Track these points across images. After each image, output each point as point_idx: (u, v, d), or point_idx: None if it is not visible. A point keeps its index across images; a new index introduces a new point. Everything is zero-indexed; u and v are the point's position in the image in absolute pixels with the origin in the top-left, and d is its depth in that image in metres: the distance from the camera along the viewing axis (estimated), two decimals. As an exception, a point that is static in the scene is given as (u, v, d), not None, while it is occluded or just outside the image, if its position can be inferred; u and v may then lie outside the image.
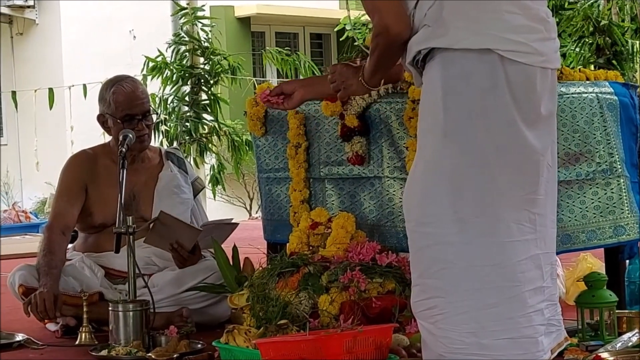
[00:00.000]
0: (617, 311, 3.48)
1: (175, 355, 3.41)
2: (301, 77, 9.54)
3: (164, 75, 9.04)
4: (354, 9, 11.90)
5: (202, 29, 9.20)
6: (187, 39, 9.13)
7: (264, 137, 4.20)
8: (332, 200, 4.00)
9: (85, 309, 3.79)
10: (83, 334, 3.80)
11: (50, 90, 9.68)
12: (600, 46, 9.91)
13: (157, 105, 8.81)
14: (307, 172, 4.07)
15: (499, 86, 2.49)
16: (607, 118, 3.70)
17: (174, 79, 9.08)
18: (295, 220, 4.02)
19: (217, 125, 9.17)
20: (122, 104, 4.18)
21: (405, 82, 3.64)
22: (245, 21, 14.60)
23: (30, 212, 10.59)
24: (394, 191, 3.78)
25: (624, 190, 3.70)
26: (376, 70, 2.79)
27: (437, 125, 2.52)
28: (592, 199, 3.66)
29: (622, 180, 3.70)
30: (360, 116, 3.80)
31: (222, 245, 3.94)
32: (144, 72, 8.93)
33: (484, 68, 2.49)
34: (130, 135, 4.01)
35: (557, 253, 2.88)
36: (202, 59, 9.19)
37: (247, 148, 9.09)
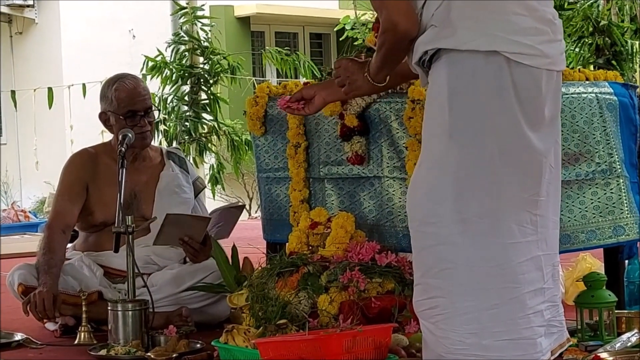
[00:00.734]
0: (616, 311, 3.48)
1: (174, 355, 3.41)
2: (302, 78, 9.54)
3: (164, 75, 9.04)
4: (354, 9, 11.90)
5: (201, 29, 9.20)
6: (186, 38, 9.13)
7: (264, 137, 4.19)
8: (332, 200, 4.00)
9: (84, 309, 3.79)
10: (82, 334, 3.80)
11: (50, 89, 9.67)
12: (600, 46, 9.91)
13: (156, 105, 8.81)
14: (307, 172, 4.07)
15: (505, 88, 2.50)
16: (606, 118, 3.70)
17: (174, 78, 9.08)
18: (295, 220, 4.02)
19: (216, 125, 9.17)
20: (124, 100, 4.19)
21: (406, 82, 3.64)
22: (244, 21, 14.60)
23: (30, 212, 10.59)
24: (394, 191, 3.78)
25: (623, 191, 3.70)
26: (382, 66, 2.79)
27: (443, 126, 2.53)
28: (591, 199, 3.66)
29: (621, 181, 3.70)
30: (359, 116, 3.80)
31: (222, 245, 3.94)
32: (144, 71, 8.93)
33: (491, 70, 2.49)
34: (130, 135, 4.01)
35: (557, 253, 2.88)
36: (201, 59, 9.18)
37: (247, 148, 9.09)
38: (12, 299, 4.17)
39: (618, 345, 3.20)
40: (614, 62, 9.82)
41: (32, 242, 6.73)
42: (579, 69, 3.91)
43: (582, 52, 9.88)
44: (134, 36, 13.41)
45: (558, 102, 2.66)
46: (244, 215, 13.27)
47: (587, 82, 3.78)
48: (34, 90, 10.56)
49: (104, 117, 4.29)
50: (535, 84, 2.54)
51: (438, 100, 2.55)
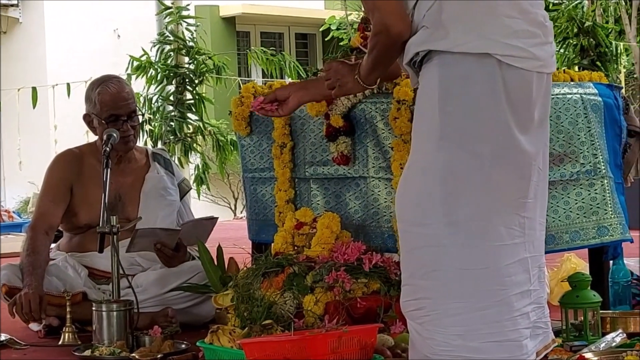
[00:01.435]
0: (601, 311, 3.49)
1: (159, 356, 3.40)
2: (288, 78, 9.54)
3: (149, 75, 9.03)
4: (340, 9, 11.91)
5: (187, 29, 9.19)
6: (171, 38, 9.12)
7: (249, 137, 4.19)
8: (317, 200, 4.00)
9: (68, 309, 3.78)
10: (66, 334, 3.78)
11: (34, 89, 9.64)
12: (585, 47, 9.95)
13: (141, 105, 8.80)
14: (292, 172, 4.06)
15: (496, 90, 2.50)
16: (591, 119, 3.71)
17: (159, 78, 9.07)
18: (280, 220, 4.01)
19: (201, 125, 9.16)
20: (107, 104, 4.17)
21: (390, 82, 3.64)
22: (230, 21, 14.58)
23: (13, 212, 10.55)
24: (379, 191, 3.78)
25: (607, 191, 3.71)
26: (374, 68, 2.78)
27: (433, 127, 2.53)
28: (576, 200, 3.67)
29: (606, 181, 3.71)
30: (345, 116, 3.79)
31: (207, 245, 3.93)
32: (129, 71, 8.92)
33: (482, 72, 2.50)
34: (114, 135, 4.00)
35: (542, 254, 2.89)
36: (186, 59, 9.18)
37: (232, 148, 9.09)
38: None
39: (603, 345, 3.21)
40: (598, 63, 9.86)
41: (16, 243, 6.71)
42: (564, 70, 3.92)
43: (567, 53, 9.92)
44: (118, 36, 13.38)
45: (548, 105, 2.67)
46: (229, 215, 13.27)
47: (572, 83, 3.79)
48: (18, 90, 10.52)
49: (87, 119, 4.28)
50: (526, 87, 2.54)
51: (429, 101, 2.55)
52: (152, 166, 4.38)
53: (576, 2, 10.78)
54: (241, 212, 12.92)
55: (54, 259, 4.14)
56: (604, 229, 3.71)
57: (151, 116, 8.98)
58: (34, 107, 9.71)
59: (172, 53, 9.13)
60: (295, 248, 3.79)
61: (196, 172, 9.19)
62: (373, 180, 3.79)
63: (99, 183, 3.89)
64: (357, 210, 3.87)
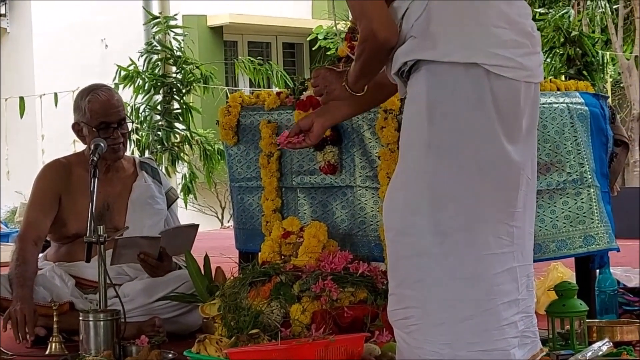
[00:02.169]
0: (587, 320, 3.49)
1: (146, 365, 3.40)
2: (275, 88, 9.54)
3: (136, 84, 9.03)
4: (327, 19, 11.91)
5: (174, 38, 9.19)
6: (159, 48, 9.12)
7: (236, 146, 4.19)
8: (304, 210, 4.00)
9: (55, 319, 3.76)
10: (53, 344, 3.77)
11: (21, 98, 9.63)
12: (571, 57, 9.99)
13: (129, 114, 8.79)
14: (279, 181, 4.06)
15: (484, 100, 2.51)
16: (577, 128, 3.72)
17: (146, 87, 9.06)
18: (267, 229, 4.01)
19: (189, 134, 9.16)
20: (98, 112, 4.17)
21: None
22: (217, 30, 14.59)
23: (0, 222, 10.52)
24: (366, 200, 3.78)
25: (594, 200, 3.72)
26: (361, 76, 2.78)
27: (421, 137, 2.53)
28: (562, 209, 3.68)
29: (592, 190, 3.72)
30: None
31: (194, 255, 3.93)
32: (116, 80, 8.91)
33: (470, 82, 2.50)
34: (102, 144, 4.00)
35: (528, 263, 2.89)
36: (174, 68, 9.18)
37: (219, 157, 9.08)
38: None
39: (589, 354, 3.21)
40: (585, 72, 9.90)
41: (3, 252, 6.69)
42: (550, 79, 3.93)
43: (553, 62, 9.96)
44: (106, 45, 13.37)
45: (535, 114, 2.68)
46: (217, 224, 13.26)
47: (559, 92, 3.80)
48: (5, 99, 10.50)
49: (77, 128, 4.27)
50: (514, 96, 2.55)
51: (417, 111, 2.56)
52: (140, 175, 4.38)
53: (562, 12, 10.82)
54: (228, 222, 12.91)
55: (41, 269, 4.13)
56: (591, 238, 3.72)
57: (139, 126, 8.97)
58: (21, 117, 9.69)
59: (159, 63, 9.13)
60: (282, 257, 3.80)
61: (183, 181, 9.18)
62: (360, 190, 3.79)
63: (87, 193, 3.88)
64: (344, 219, 3.87)
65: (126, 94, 8.72)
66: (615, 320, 3.82)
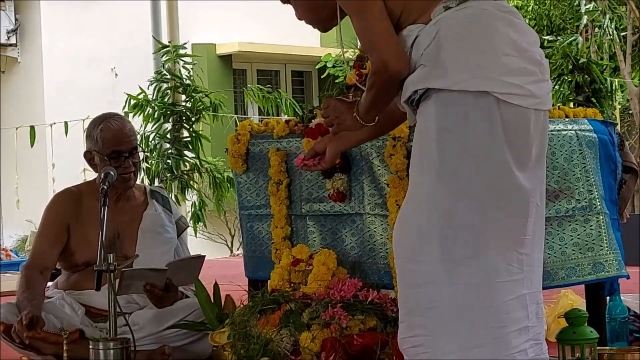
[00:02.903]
0: (598, 348, 3.48)
1: (156, 394, 3.40)
2: (284, 116, 9.56)
3: (146, 113, 9.05)
4: (336, 47, 11.94)
5: (184, 67, 9.22)
6: (169, 76, 9.15)
7: (246, 174, 4.20)
8: (314, 237, 4.00)
9: (65, 347, 3.76)
10: (63, 372, 3.77)
11: (32, 127, 9.67)
12: (580, 84, 9.99)
13: (138, 143, 8.81)
14: (289, 209, 4.07)
15: (494, 128, 2.51)
16: (586, 155, 3.72)
17: (156, 116, 9.09)
18: (277, 257, 4.01)
19: (198, 162, 9.17)
20: (109, 141, 4.19)
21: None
22: (227, 59, 14.64)
23: (11, 250, 10.54)
24: (375, 228, 3.78)
25: (603, 227, 3.71)
26: (372, 106, 2.78)
27: (431, 165, 2.53)
28: (571, 236, 3.68)
29: (601, 217, 3.72)
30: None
31: (203, 283, 3.93)
32: (126, 109, 8.94)
33: (480, 110, 2.50)
34: (112, 173, 4.01)
35: (538, 290, 2.89)
36: (183, 97, 9.20)
37: (229, 185, 9.09)
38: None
39: (600, 381, 3.20)
40: (593, 99, 9.90)
41: (13, 281, 6.70)
42: (559, 107, 3.94)
43: (561, 89, 9.96)
44: (116, 74, 13.42)
45: (545, 142, 2.68)
46: (226, 252, 13.25)
47: (567, 119, 3.81)
48: (16, 128, 10.54)
49: (88, 156, 4.29)
50: (524, 124, 2.55)
51: (427, 139, 2.56)
52: (150, 204, 4.39)
53: (571, 39, 10.85)
54: (238, 249, 12.90)
55: (50, 297, 4.14)
56: (600, 265, 3.71)
57: (148, 154, 8.99)
58: (31, 145, 9.73)
59: (169, 91, 9.16)
60: (292, 285, 3.80)
61: (193, 209, 9.18)
62: (369, 217, 3.80)
63: (97, 221, 3.89)
64: (354, 246, 3.87)
65: (136, 123, 8.73)
66: (626, 348, 3.80)
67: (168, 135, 9.11)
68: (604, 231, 3.71)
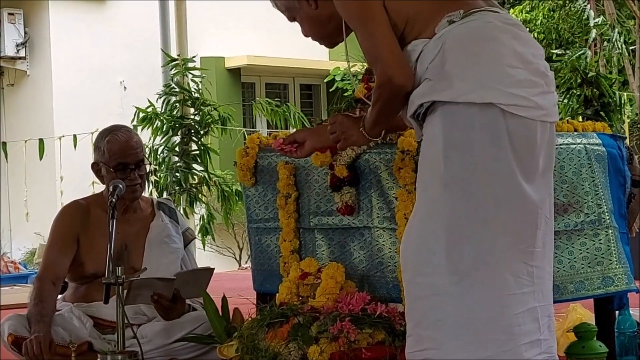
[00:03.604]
0: (607, 362, 3.48)
1: (164, 407, 3.39)
2: (292, 129, 9.57)
3: (154, 126, 9.06)
4: (344, 60, 11.94)
5: (192, 80, 9.24)
6: (177, 89, 9.17)
7: (254, 187, 4.20)
8: (322, 251, 4.00)
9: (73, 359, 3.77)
10: (71, 385, 3.77)
11: (41, 140, 9.69)
12: (588, 98, 9.99)
13: (147, 156, 8.81)
14: (297, 222, 4.07)
15: (500, 139, 2.51)
16: (595, 169, 3.72)
17: (164, 129, 9.10)
18: (285, 270, 4.01)
19: (207, 176, 9.17)
20: (116, 153, 4.21)
21: (394, 133, 3.66)
22: (235, 72, 14.66)
23: (20, 263, 10.56)
24: (384, 241, 3.78)
25: (612, 241, 3.71)
26: (378, 121, 2.79)
27: (437, 177, 2.54)
28: (580, 250, 3.67)
29: (610, 231, 3.71)
30: (349, 166, 3.81)
31: (212, 296, 3.93)
32: (134, 122, 8.96)
33: (486, 122, 2.51)
34: (120, 186, 4.02)
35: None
36: (192, 110, 9.21)
37: (237, 198, 9.09)
38: (3, 350, 4.15)
39: (609, 396, 3.19)
40: (602, 113, 9.90)
41: (22, 294, 6.71)
42: (568, 120, 3.93)
43: (570, 103, 9.96)
44: (125, 87, 13.46)
45: (552, 153, 2.68)
46: (234, 265, 13.25)
47: (576, 133, 3.80)
48: (25, 141, 10.57)
49: (95, 168, 4.31)
50: (530, 136, 2.55)
51: (433, 151, 2.57)
52: (157, 214, 4.41)
53: (579, 53, 10.84)
54: (246, 263, 12.89)
55: (59, 310, 4.14)
56: (609, 279, 3.70)
57: (157, 167, 9.00)
58: (40, 158, 9.75)
59: (177, 104, 9.17)
60: (300, 298, 3.79)
61: (201, 222, 9.18)
62: (377, 231, 3.79)
63: (105, 233, 3.91)
64: (362, 260, 3.87)
65: (144, 136, 8.76)
66: (635, 362, 3.79)
67: (177, 149, 9.12)
68: (613, 245, 3.71)
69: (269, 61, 14.61)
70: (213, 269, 4.18)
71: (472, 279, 2.49)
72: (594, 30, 12.59)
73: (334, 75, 13.03)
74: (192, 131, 9.15)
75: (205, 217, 9.20)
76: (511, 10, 15.51)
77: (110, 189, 4.01)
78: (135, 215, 4.35)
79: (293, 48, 14.09)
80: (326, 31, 2.93)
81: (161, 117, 9.05)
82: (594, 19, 12.87)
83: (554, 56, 10.73)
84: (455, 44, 2.57)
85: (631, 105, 12.87)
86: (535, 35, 14.67)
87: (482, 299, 2.49)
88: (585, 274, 3.67)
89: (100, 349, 3.87)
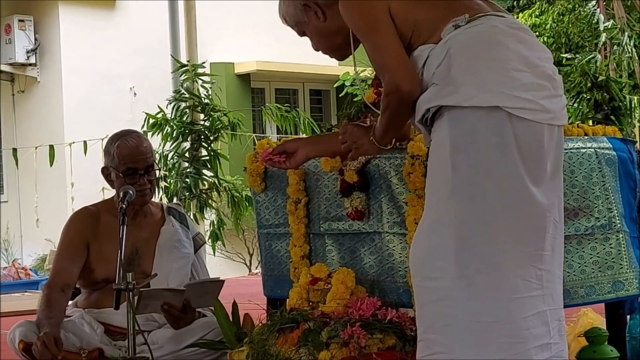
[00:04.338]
0: (618, 366, 3.47)
1: (174, 413, 3.39)
2: (301, 135, 9.58)
3: (164, 132, 9.08)
4: (353, 65, 11.92)
5: (202, 86, 9.25)
6: (187, 95, 9.18)
7: (264, 193, 4.20)
8: (332, 256, 4.00)
9: (84, 366, 3.78)
10: (82, 391, 3.78)
11: (51, 147, 9.71)
12: (599, 102, 9.97)
13: (157, 162, 8.83)
14: (307, 228, 4.07)
15: (507, 143, 2.51)
16: (605, 173, 3.71)
17: (174, 135, 9.11)
18: (295, 275, 4.01)
19: (217, 181, 9.18)
20: (125, 158, 4.22)
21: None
22: (245, 78, 14.68)
23: (30, 269, 10.59)
24: (394, 246, 3.78)
25: (623, 246, 3.70)
26: (388, 129, 2.79)
27: (445, 182, 2.54)
28: (590, 254, 3.66)
29: (621, 236, 3.70)
30: (359, 172, 3.81)
31: (222, 302, 3.93)
32: (144, 128, 8.97)
33: (492, 125, 2.51)
34: (131, 192, 4.03)
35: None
36: (202, 115, 9.23)
37: (247, 204, 9.10)
38: (14, 356, 4.16)
39: (620, 400, 3.18)
40: (612, 117, 9.88)
41: (32, 300, 6.72)
42: (578, 124, 3.93)
43: (580, 107, 9.94)
44: (135, 93, 13.49)
45: (560, 157, 2.68)
46: (244, 271, 13.26)
47: (586, 137, 3.80)
48: (36, 147, 10.60)
49: (105, 172, 4.33)
50: (537, 139, 2.55)
51: (440, 156, 2.57)
52: (167, 219, 4.42)
53: (589, 57, 10.84)
54: (256, 268, 12.90)
55: (70, 316, 4.15)
56: (620, 284, 3.69)
57: (167, 173, 9.01)
58: (51, 164, 9.77)
59: (187, 110, 9.18)
60: (310, 304, 3.79)
61: (211, 228, 9.19)
62: (388, 236, 3.79)
63: (115, 239, 3.91)
64: (372, 265, 3.86)
65: (154, 142, 8.77)
66: (647, 367, 3.78)
67: (186, 154, 9.13)
68: (623, 249, 3.70)
69: (278, 67, 14.63)
70: (223, 280, 4.17)
71: (481, 282, 2.49)
72: (604, 34, 12.57)
73: (344, 81, 13.03)
74: (202, 137, 9.17)
75: (215, 222, 9.20)
76: (520, 15, 15.51)
77: (121, 194, 4.02)
78: (146, 220, 4.36)
79: (302, 53, 14.07)
80: (335, 43, 2.95)
81: (171, 123, 9.07)
82: (603, 22, 12.85)
83: (564, 60, 10.72)
84: (461, 49, 2.57)
85: (641, 109, 12.83)
86: (545, 39, 14.65)
87: (491, 302, 2.49)
88: (595, 279, 3.67)
89: (111, 355, 3.87)
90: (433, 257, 2.54)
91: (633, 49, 12.33)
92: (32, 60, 13.39)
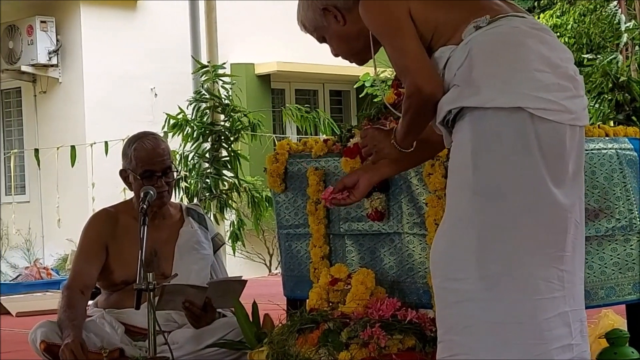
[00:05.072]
0: (639, 368, 3.45)
1: (195, 412, 3.40)
2: (322, 135, 9.57)
3: (185, 132, 9.08)
4: (374, 66, 11.92)
5: (222, 87, 9.25)
6: (207, 96, 9.18)
7: (284, 194, 4.21)
8: (352, 257, 4.00)
9: (105, 366, 3.79)
10: (103, 391, 3.79)
11: (73, 147, 9.75)
12: (620, 102, 9.91)
13: (177, 162, 8.85)
14: (327, 228, 4.07)
15: (529, 144, 2.50)
16: (626, 174, 3.70)
17: (195, 135, 9.12)
18: (315, 276, 4.02)
19: (237, 182, 9.18)
20: (143, 160, 4.22)
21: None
22: (265, 78, 14.70)
23: (52, 269, 10.64)
24: (414, 247, 3.78)
25: (643, 247, 3.69)
26: (409, 131, 2.78)
27: (466, 183, 2.53)
28: (611, 256, 3.65)
29: (642, 237, 3.69)
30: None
31: (242, 302, 3.94)
32: (165, 129, 8.99)
33: (514, 126, 2.50)
34: (152, 192, 4.04)
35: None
36: (222, 116, 9.23)
37: (267, 204, 9.09)
38: (35, 356, 4.18)
39: (641, 402, 3.17)
40: (634, 117, 9.82)
41: (54, 300, 6.76)
42: (599, 125, 3.92)
43: (601, 108, 9.89)
44: (155, 94, 13.52)
45: (581, 157, 2.67)
46: (264, 271, 13.27)
47: (607, 138, 3.79)
48: (57, 148, 10.64)
49: (123, 175, 4.34)
50: (559, 140, 2.54)
51: (462, 157, 2.56)
52: (186, 221, 4.42)
53: (611, 58, 10.77)
54: (276, 269, 12.90)
55: (91, 316, 4.17)
56: (640, 285, 3.68)
57: (187, 173, 9.03)
58: (72, 165, 9.80)
59: (208, 111, 9.18)
60: (330, 304, 3.79)
61: (231, 228, 9.19)
62: (407, 236, 3.79)
63: (134, 240, 3.92)
64: (392, 266, 3.87)
65: (175, 142, 8.80)
66: (668, 368, 3.76)
67: (207, 155, 9.14)
68: (644, 251, 3.69)
69: (298, 67, 14.63)
70: (246, 280, 4.17)
71: (502, 284, 2.49)
72: (625, 35, 12.51)
73: (364, 81, 13.01)
74: (222, 137, 9.17)
75: (235, 223, 9.21)
76: (541, 15, 15.46)
77: (141, 195, 4.03)
78: (165, 222, 4.36)
79: (323, 54, 14.07)
80: (355, 47, 2.94)
81: (191, 124, 9.07)
82: (625, 23, 12.80)
83: (585, 61, 10.66)
84: (482, 50, 2.56)
85: (663, 110, 12.77)
86: (566, 39, 14.61)
87: (512, 304, 2.49)
88: (616, 280, 3.65)
89: (132, 355, 3.89)
90: (454, 259, 2.54)
91: (655, 50, 12.28)
92: (54, 61, 13.44)
